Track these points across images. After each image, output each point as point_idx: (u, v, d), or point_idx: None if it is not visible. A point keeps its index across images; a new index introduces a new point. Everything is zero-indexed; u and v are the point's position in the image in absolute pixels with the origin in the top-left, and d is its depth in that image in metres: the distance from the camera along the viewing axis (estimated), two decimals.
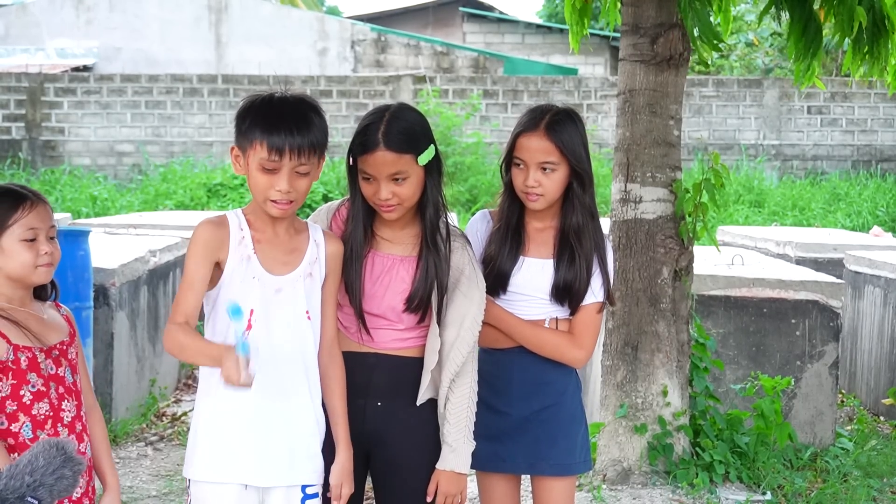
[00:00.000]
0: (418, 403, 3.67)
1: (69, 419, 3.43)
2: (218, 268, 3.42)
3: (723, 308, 7.19)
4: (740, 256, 8.22)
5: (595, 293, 3.93)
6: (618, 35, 6.49)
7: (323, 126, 3.45)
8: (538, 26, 31.45)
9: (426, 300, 3.65)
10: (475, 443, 3.73)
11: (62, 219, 13.11)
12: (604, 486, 6.04)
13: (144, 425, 8.05)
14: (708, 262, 7.81)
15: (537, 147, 3.89)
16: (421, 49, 27.17)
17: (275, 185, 3.35)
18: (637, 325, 6.15)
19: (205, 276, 3.39)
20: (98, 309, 7.39)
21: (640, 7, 6.20)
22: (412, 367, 3.69)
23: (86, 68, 25.78)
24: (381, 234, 3.70)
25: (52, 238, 3.45)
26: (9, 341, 3.33)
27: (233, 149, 3.45)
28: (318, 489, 3.54)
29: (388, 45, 27.12)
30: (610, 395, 6.24)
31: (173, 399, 9.06)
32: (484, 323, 3.77)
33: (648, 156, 6.20)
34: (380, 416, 3.68)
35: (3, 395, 3.32)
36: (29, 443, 3.33)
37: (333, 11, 43.97)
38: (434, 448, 3.73)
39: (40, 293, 3.54)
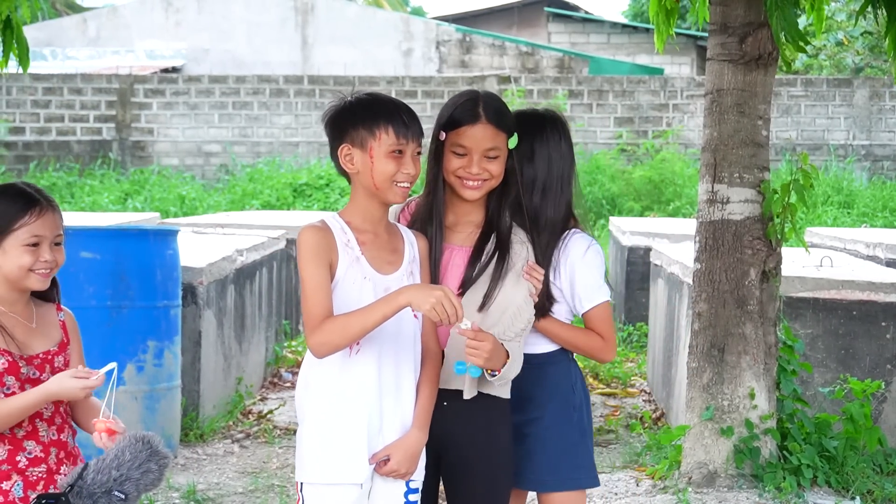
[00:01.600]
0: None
1: (49, 414, 3.44)
2: (328, 271, 3.47)
3: (811, 310, 7.10)
4: (829, 258, 8.11)
5: (599, 295, 3.96)
6: (704, 34, 6.44)
7: None
8: (624, 26, 31.33)
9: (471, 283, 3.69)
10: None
11: (151, 218, 13.29)
12: (689, 489, 6.00)
13: (231, 423, 8.13)
14: (796, 263, 7.72)
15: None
16: (506, 49, 27.16)
17: (402, 169, 3.48)
18: (724, 326, 6.09)
19: (328, 277, 3.44)
20: (186, 307, 7.48)
21: (728, 6, 6.14)
22: None
23: (174, 69, 26.13)
24: (446, 223, 3.77)
25: (57, 244, 3.45)
26: None
27: (342, 148, 3.51)
28: (420, 485, 3.59)
29: (472, 45, 27.16)
30: (696, 397, 6.19)
31: (259, 397, 9.14)
32: None
33: (736, 156, 6.14)
34: (448, 415, 3.66)
35: None
36: (7, 434, 3.38)
37: (418, 12, 44.14)
38: (505, 446, 3.75)
39: (46, 294, 3.55)
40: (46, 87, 22.70)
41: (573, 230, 3.95)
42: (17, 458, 3.38)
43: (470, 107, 3.68)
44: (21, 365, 3.40)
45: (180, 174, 22.12)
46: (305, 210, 18.92)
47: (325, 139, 3.67)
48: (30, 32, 8.28)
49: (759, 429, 6.11)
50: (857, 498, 6.06)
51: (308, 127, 22.36)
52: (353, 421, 3.47)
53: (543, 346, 3.94)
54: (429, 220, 3.73)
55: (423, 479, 3.59)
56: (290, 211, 18.58)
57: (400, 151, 3.48)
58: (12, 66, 6.71)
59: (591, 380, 9.92)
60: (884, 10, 6.23)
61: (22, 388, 3.39)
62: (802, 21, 6.22)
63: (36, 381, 3.40)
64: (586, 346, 3.97)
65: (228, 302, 8.40)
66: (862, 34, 25.43)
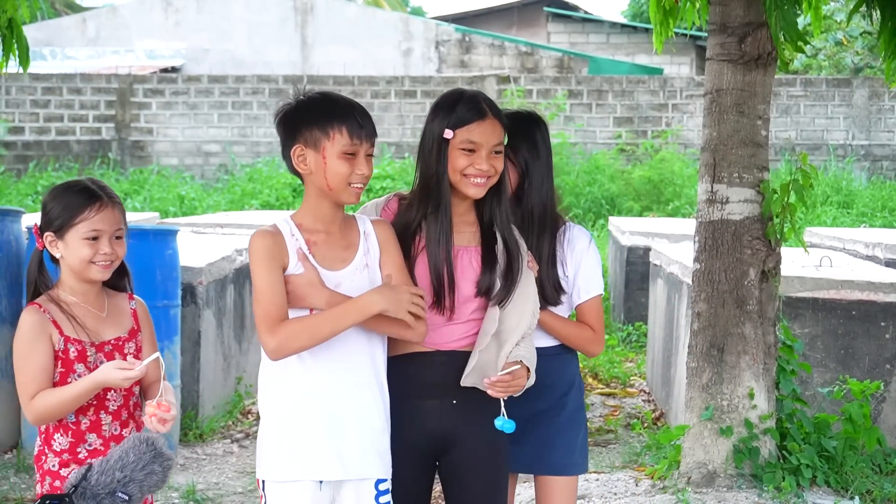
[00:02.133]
0: (462, 384, 3.65)
1: (115, 407, 3.60)
2: (282, 274, 3.49)
3: (810, 310, 7.10)
4: (828, 258, 8.11)
5: (596, 287, 4.09)
6: (704, 34, 6.45)
7: None
8: (623, 26, 31.33)
9: (495, 285, 3.70)
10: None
11: (150, 218, 13.30)
12: (689, 489, 6.00)
13: (230, 422, 8.13)
14: (795, 263, 7.72)
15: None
16: (505, 49, 27.16)
17: (356, 170, 3.48)
18: (723, 326, 6.09)
19: (281, 280, 3.46)
20: (185, 307, 7.48)
21: (727, 6, 6.14)
22: None
23: (174, 69, 26.13)
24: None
25: (118, 238, 3.61)
26: (62, 332, 3.53)
27: (296, 148, 3.51)
28: (389, 485, 3.59)
29: (472, 45, 27.16)
30: (695, 397, 6.19)
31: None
32: None
33: (735, 156, 6.14)
34: (455, 414, 3.68)
35: (55, 381, 3.53)
36: (72, 426, 3.55)
37: (418, 12, 44.14)
38: (505, 443, 3.77)
39: (117, 284, 3.73)
40: (46, 86, 22.71)
41: (569, 223, 4.10)
42: (78, 450, 3.55)
43: (473, 104, 3.68)
44: (90, 353, 3.55)
45: (180, 174, 22.12)
46: None
47: None
48: (29, 32, 8.29)
49: (758, 429, 6.11)
50: (857, 498, 6.06)
51: None
52: (310, 418, 3.49)
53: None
54: (433, 221, 3.69)
55: (391, 477, 3.59)
56: (290, 211, 18.55)
57: (353, 153, 3.48)
58: (12, 66, 6.71)
59: (590, 379, 9.92)
60: (877, 11, 6.23)
61: None
62: (801, 21, 6.23)
63: None
64: (578, 338, 4.08)
65: (228, 302, 8.40)
66: (861, 34, 25.45)
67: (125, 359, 3.57)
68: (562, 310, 4.08)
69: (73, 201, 3.55)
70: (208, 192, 21.00)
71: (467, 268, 3.71)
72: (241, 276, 8.82)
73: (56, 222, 3.56)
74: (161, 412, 3.40)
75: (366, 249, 3.60)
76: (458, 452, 3.70)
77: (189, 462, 7.16)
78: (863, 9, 6.29)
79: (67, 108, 22.73)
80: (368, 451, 3.53)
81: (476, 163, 3.64)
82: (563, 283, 4.02)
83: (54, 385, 3.50)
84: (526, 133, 4.03)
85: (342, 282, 3.52)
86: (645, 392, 9.58)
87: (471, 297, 3.69)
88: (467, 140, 3.65)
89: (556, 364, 4.04)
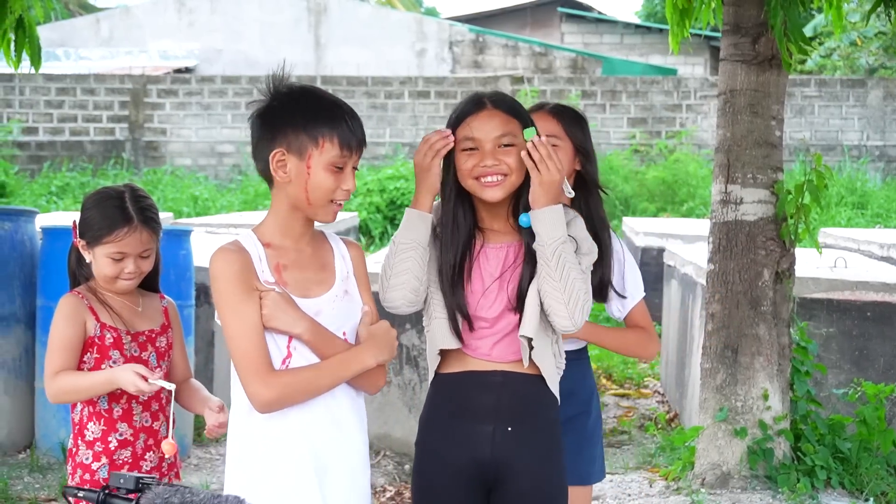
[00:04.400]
0: (520, 333, 3.26)
1: (145, 397, 3.63)
2: (258, 303, 3.09)
3: (825, 311, 7.08)
4: (843, 259, 8.08)
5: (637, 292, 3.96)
6: (718, 35, 6.43)
7: None
8: (637, 26, 31.27)
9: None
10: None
11: (164, 218, 13.32)
12: (703, 490, 5.99)
13: None
14: (810, 264, 7.70)
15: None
16: (519, 50, 27.15)
17: (342, 185, 3.06)
18: (737, 327, 6.08)
19: (257, 314, 3.06)
20: (199, 307, 7.49)
21: (741, 7, 6.14)
22: (538, 385, 3.34)
23: (187, 70, 26.16)
24: (489, 226, 3.37)
25: (145, 257, 3.66)
26: (98, 318, 3.60)
27: (276, 152, 3.05)
28: None
29: (486, 45, 27.15)
30: (709, 398, 6.18)
31: None
32: None
33: (749, 157, 6.13)
34: (510, 441, 3.30)
35: (89, 366, 3.59)
36: (104, 413, 3.59)
37: (431, 12, 44.16)
38: (562, 475, 3.39)
39: (150, 285, 3.80)
40: (60, 87, 22.76)
41: None
42: (109, 439, 3.59)
43: (474, 100, 3.31)
44: (126, 341, 3.62)
45: (193, 174, 22.15)
46: None
47: None
48: (43, 33, 8.29)
49: (772, 430, 6.10)
50: (871, 500, 6.04)
51: None
52: (296, 462, 3.08)
53: (580, 342, 3.96)
54: (458, 228, 3.32)
55: None
56: None
57: (342, 165, 3.04)
58: (25, 66, 6.72)
59: (604, 381, 9.91)
60: (895, 11, 6.21)
61: (126, 363, 3.59)
62: (819, 20, 6.22)
63: (137, 359, 3.61)
64: (634, 343, 3.97)
65: None
66: (876, 35, 25.35)
67: (157, 351, 3.66)
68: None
69: (104, 219, 3.60)
70: (222, 193, 21.02)
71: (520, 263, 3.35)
72: None
73: (87, 234, 3.63)
74: (170, 451, 3.45)
75: (344, 274, 3.18)
76: (512, 484, 3.29)
77: (203, 462, 7.16)
78: (879, 9, 6.27)
79: (81, 108, 22.78)
80: (352, 494, 3.15)
81: (481, 161, 3.24)
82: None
83: (90, 371, 3.56)
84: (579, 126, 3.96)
85: (322, 309, 3.10)
86: (659, 393, 9.57)
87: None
88: (466, 138, 3.27)
89: (577, 370, 3.83)
